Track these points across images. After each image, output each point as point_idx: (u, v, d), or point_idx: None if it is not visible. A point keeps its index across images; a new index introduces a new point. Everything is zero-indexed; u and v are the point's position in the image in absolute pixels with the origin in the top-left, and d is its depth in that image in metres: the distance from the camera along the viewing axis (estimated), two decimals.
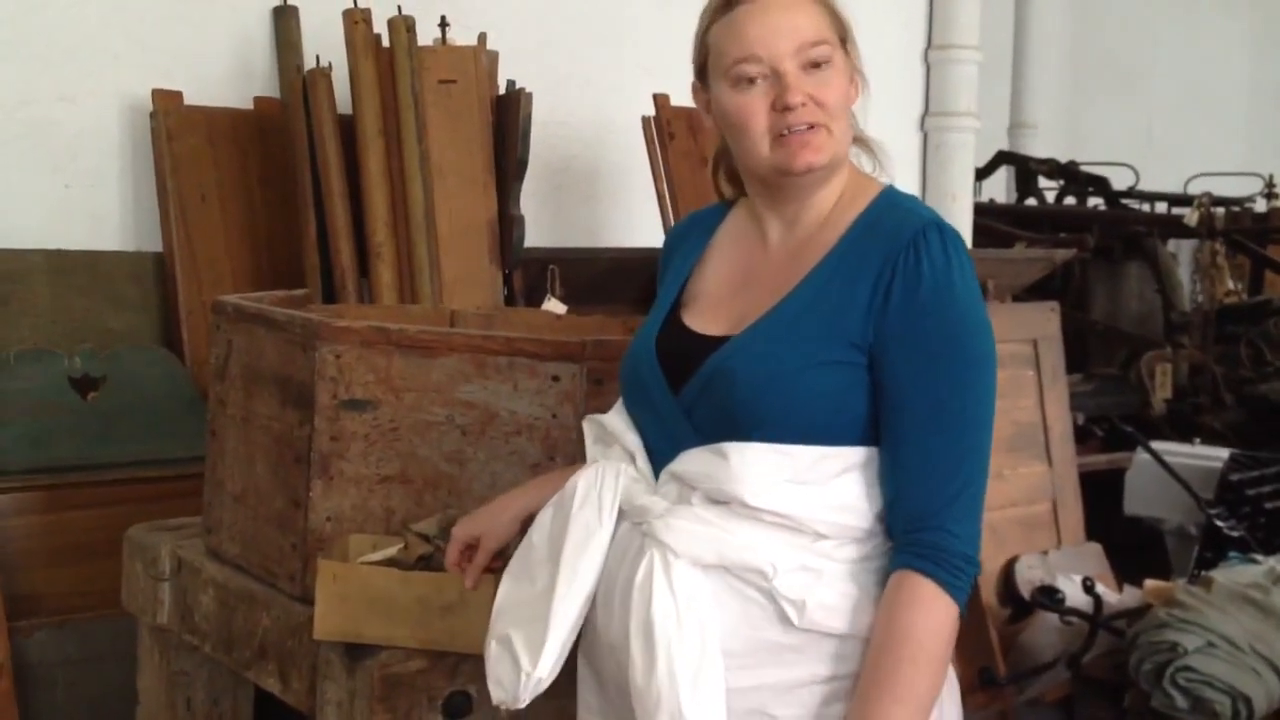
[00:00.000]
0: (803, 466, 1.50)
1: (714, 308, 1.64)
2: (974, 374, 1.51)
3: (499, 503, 1.83)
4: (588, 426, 1.72)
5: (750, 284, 1.62)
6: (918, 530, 1.49)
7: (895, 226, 1.54)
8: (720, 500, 1.53)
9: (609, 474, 1.62)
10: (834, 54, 1.57)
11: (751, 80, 1.55)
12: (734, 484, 1.51)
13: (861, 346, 1.51)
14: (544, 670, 1.57)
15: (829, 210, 1.61)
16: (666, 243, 1.82)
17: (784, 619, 1.51)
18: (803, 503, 1.50)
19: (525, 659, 1.58)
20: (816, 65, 1.55)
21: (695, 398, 1.57)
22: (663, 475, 1.59)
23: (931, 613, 1.47)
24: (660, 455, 1.61)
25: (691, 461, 1.55)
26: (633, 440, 1.64)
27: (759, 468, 1.50)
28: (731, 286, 1.65)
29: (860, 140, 1.67)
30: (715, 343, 1.58)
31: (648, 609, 1.50)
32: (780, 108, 1.54)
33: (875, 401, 1.51)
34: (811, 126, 1.55)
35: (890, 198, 1.61)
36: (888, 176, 1.67)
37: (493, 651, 1.63)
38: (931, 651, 1.47)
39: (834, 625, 1.51)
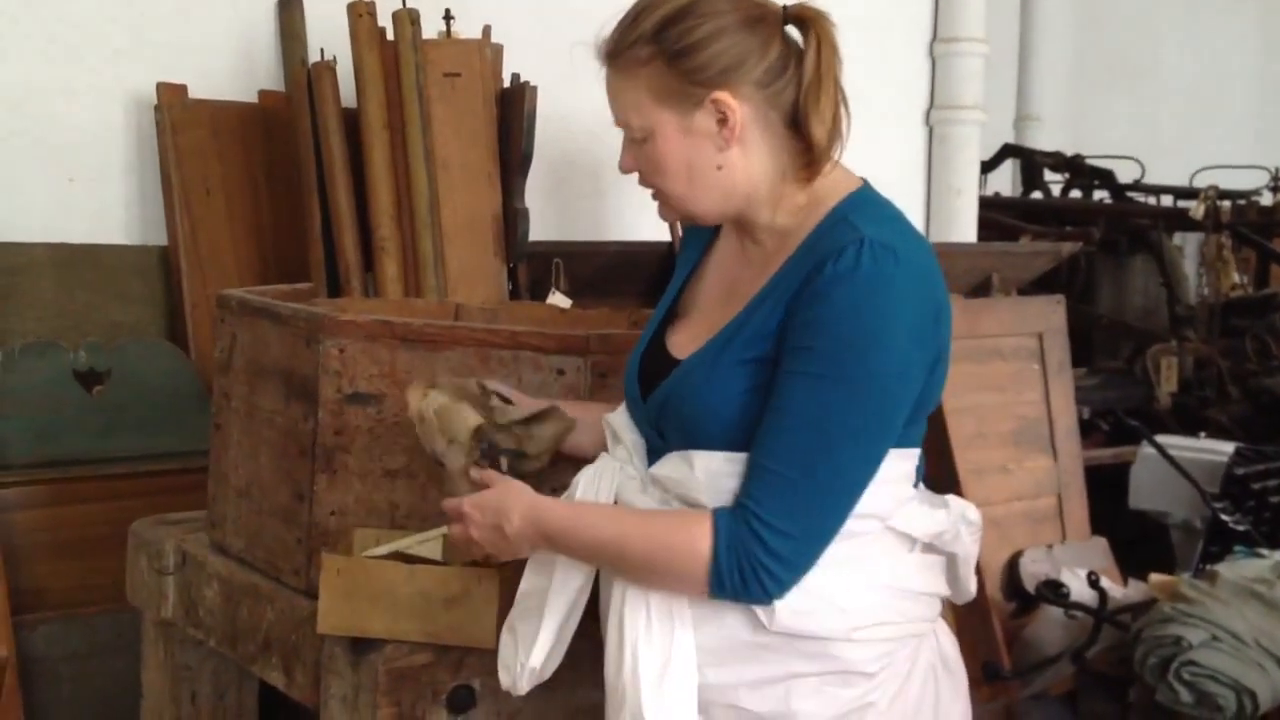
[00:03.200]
0: None
1: (700, 321, 1.66)
2: (843, 389, 1.44)
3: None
4: (604, 423, 1.76)
5: (730, 297, 1.63)
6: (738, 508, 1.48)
7: (828, 245, 1.48)
8: (691, 505, 1.55)
9: (607, 471, 1.67)
10: (659, 124, 1.54)
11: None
12: (698, 492, 1.53)
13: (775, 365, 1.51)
14: (536, 661, 1.62)
15: (793, 215, 1.58)
16: (685, 232, 1.82)
17: (756, 622, 1.52)
18: None
19: (522, 649, 1.63)
20: (637, 141, 1.58)
21: (657, 416, 1.61)
22: (647, 477, 1.62)
23: (697, 536, 1.47)
24: (652, 457, 1.64)
25: (665, 466, 1.59)
26: (631, 439, 1.67)
27: (720, 478, 1.52)
28: (716, 299, 1.66)
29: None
30: (675, 364, 1.61)
31: (621, 609, 1.53)
32: None
33: None
34: (654, 190, 1.61)
35: (843, 211, 1.54)
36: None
37: (504, 638, 1.68)
38: (663, 542, 1.49)
39: (804, 627, 1.52)
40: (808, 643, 1.52)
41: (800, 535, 1.46)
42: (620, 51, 1.55)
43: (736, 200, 1.57)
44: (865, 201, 1.57)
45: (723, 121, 1.53)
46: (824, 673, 1.53)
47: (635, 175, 1.64)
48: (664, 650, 1.51)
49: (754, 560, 1.45)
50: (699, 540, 1.46)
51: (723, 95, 1.52)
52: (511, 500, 1.61)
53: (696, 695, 1.52)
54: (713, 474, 1.52)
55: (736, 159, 1.55)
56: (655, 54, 1.52)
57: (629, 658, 1.51)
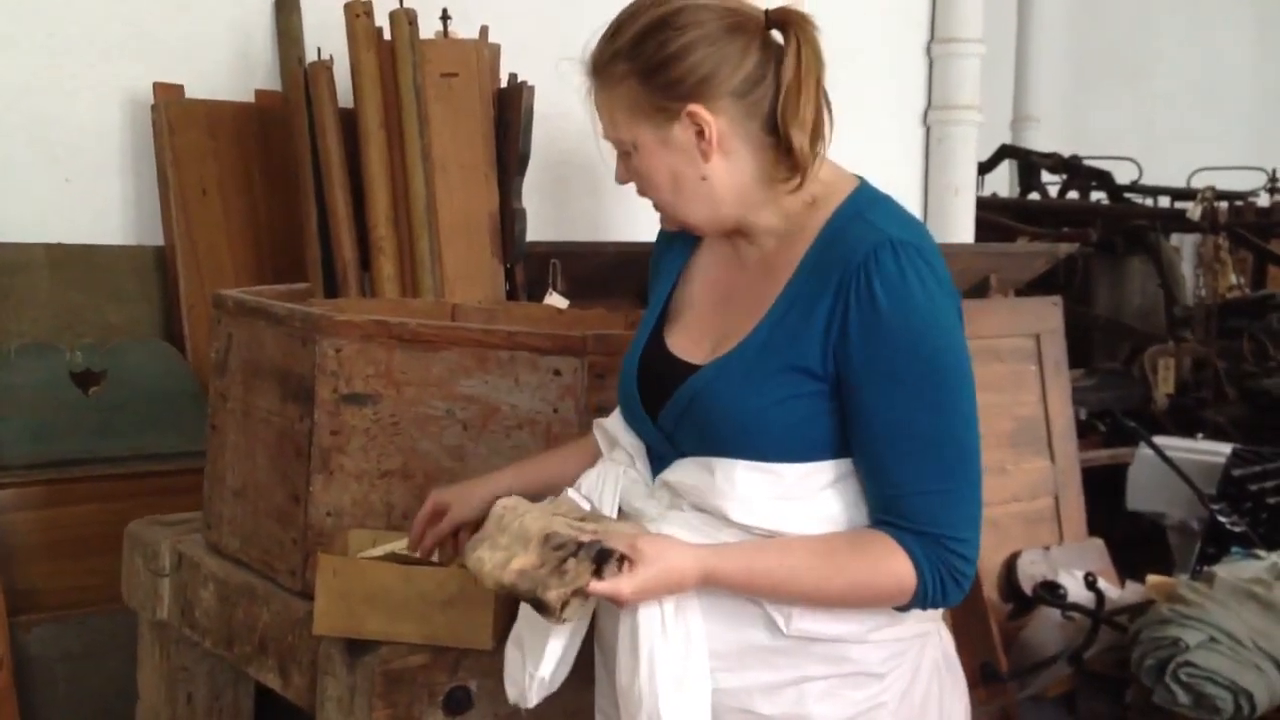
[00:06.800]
0: (789, 483, 1.51)
1: (697, 325, 1.65)
2: (944, 391, 1.49)
3: (478, 480, 1.84)
4: (596, 429, 1.74)
5: (729, 301, 1.62)
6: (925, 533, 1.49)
7: (850, 245, 1.50)
8: (707, 511, 1.54)
9: (610, 475, 1.64)
10: (640, 138, 1.55)
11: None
12: (719, 499, 1.52)
13: (822, 376, 1.50)
14: (546, 671, 1.58)
15: (792, 219, 1.58)
16: (657, 243, 1.81)
17: (772, 625, 1.52)
18: (787, 518, 1.51)
19: (530, 660, 1.60)
20: (626, 153, 1.59)
21: (674, 423, 1.58)
22: (656, 481, 1.61)
23: (901, 575, 1.48)
24: (656, 461, 1.63)
25: (681, 472, 1.57)
26: (631, 442, 1.65)
27: (745, 486, 1.51)
28: (712, 302, 1.65)
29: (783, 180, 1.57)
30: (691, 369, 1.59)
31: (634, 614, 1.50)
32: None
33: (843, 420, 1.51)
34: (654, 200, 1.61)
35: (854, 205, 1.56)
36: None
37: (509, 652, 1.65)
38: (868, 585, 1.49)
39: (821, 631, 1.52)
40: (823, 645, 1.52)
41: (976, 529, 1.53)
42: (601, 67, 1.55)
43: (728, 208, 1.57)
44: (873, 199, 1.58)
45: (700, 134, 1.53)
46: (836, 675, 1.53)
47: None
48: (682, 654, 1.50)
49: (954, 572, 1.50)
50: (904, 579, 1.49)
51: (697, 108, 1.52)
52: (680, 576, 1.47)
53: (710, 700, 1.51)
54: (735, 482, 1.51)
55: (720, 169, 1.55)
56: (630, 70, 1.52)
57: (645, 661, 1.49)
